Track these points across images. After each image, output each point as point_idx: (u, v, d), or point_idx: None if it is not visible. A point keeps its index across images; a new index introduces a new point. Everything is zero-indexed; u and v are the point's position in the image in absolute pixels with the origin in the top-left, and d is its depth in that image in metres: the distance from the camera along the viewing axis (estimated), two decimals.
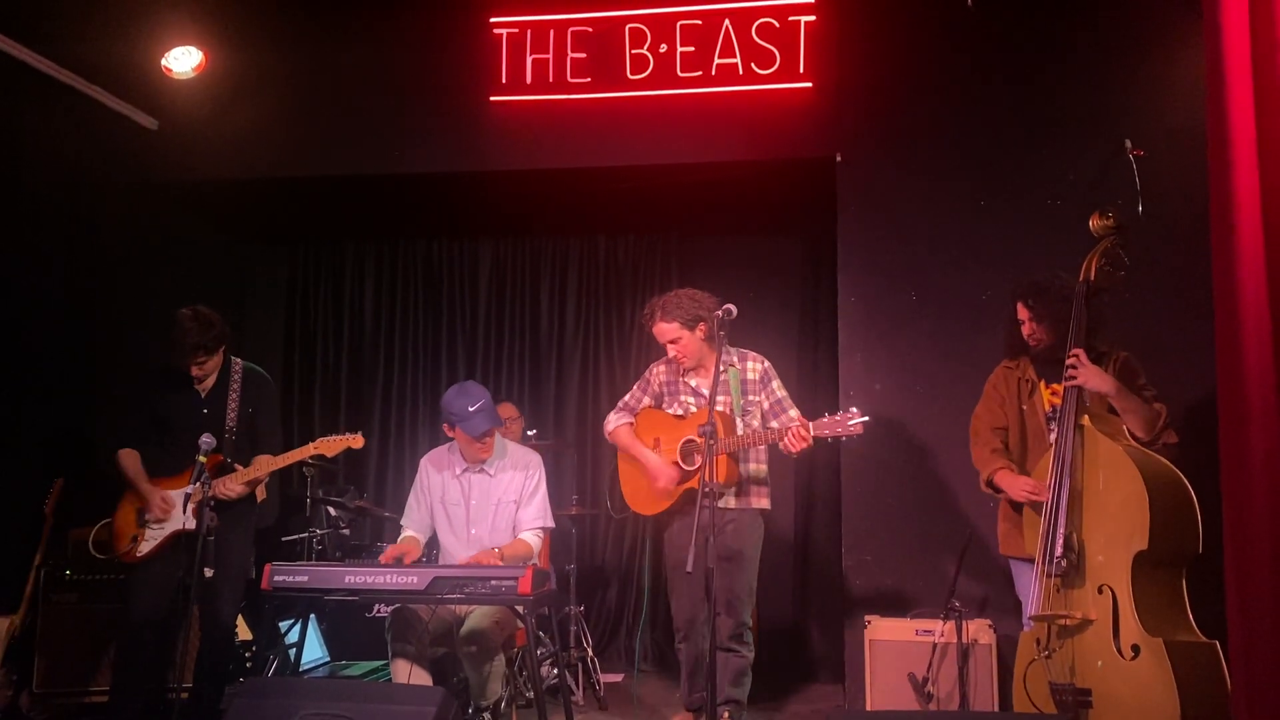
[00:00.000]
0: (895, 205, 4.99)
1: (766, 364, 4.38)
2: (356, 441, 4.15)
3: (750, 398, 4.29)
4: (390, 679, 3.90)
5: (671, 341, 4.28)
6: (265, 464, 4.13)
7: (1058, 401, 3.64)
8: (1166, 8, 4.68)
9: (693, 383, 4.38)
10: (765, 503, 4.32)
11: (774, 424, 4.23)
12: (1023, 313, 3.80)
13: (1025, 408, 3.81)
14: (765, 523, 4.38)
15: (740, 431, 4.17)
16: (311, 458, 5.55)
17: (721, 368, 4.18)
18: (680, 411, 4.36)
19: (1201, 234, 3.03)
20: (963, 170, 4.93)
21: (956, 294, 4.84)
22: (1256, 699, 2.27)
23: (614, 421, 4.51)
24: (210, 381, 4.28)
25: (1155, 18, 4.74)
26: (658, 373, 4.50)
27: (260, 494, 4.38)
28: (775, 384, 4.34)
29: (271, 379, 4.53)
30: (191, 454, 3.80)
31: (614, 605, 6.44)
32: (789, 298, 6.44)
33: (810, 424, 3.91)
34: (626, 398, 4.57)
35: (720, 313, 3.75)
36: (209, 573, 3.65)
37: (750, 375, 4.34)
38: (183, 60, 5.36)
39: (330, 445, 4.13)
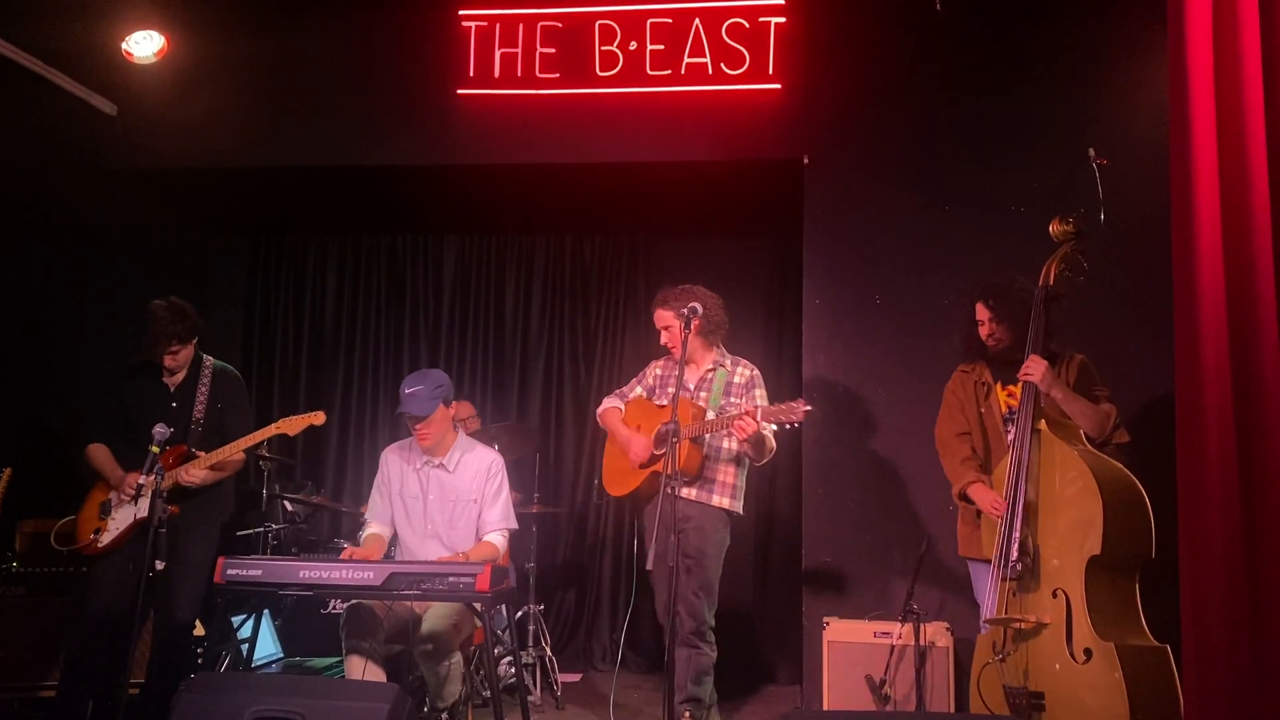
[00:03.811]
0: (861, 208, 5.01)
1: (755, 372, 4.44)
2: (318, 418, 4.11)
3: (732, 399, 4.33)
4: (344, 676, 3.85)
5: (665, 328, 4.40)
6: (227, 448, 4.08)
7: (1014, 403, 3.67)
8: (1133, 19, 4.74)
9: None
10: (729, 503, 4.32)
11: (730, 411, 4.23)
12: (982, 313, 3.83)
13: (983, 410, 3.84)
14: (731, 524, 4.39)
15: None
16: (270, 451, 5.53)
17: (711, 365, 4.43)
18: (665, 402, 4.38)
19: (1163, 242, 3.06)
20: (928, 175, 4.96)
21: (920, 298, 4.87)
22: (1208, 704, 2.30)
23: (605, 405, 4.64)
24: (180, 377, 4.25)
25: (1122, 28, 4.80)
26: (654, 367, 4.61)
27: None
28: (759, 392, 4.37)
29: (241, 377, 4.48)
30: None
31: (573, 605, 6.42)
32: (754, 299, 6.44)
33: (759, 409, 3.96)
34: (623, 387, 4.70)
35: (686, 310, 3.84)
36: (160, 565, 3.59)
37: (737, 379, 4.40)
38: (144, 45, 5.27)
39: (292, 424, 4.09)
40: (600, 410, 4.68)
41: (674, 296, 4.36)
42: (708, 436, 4.25)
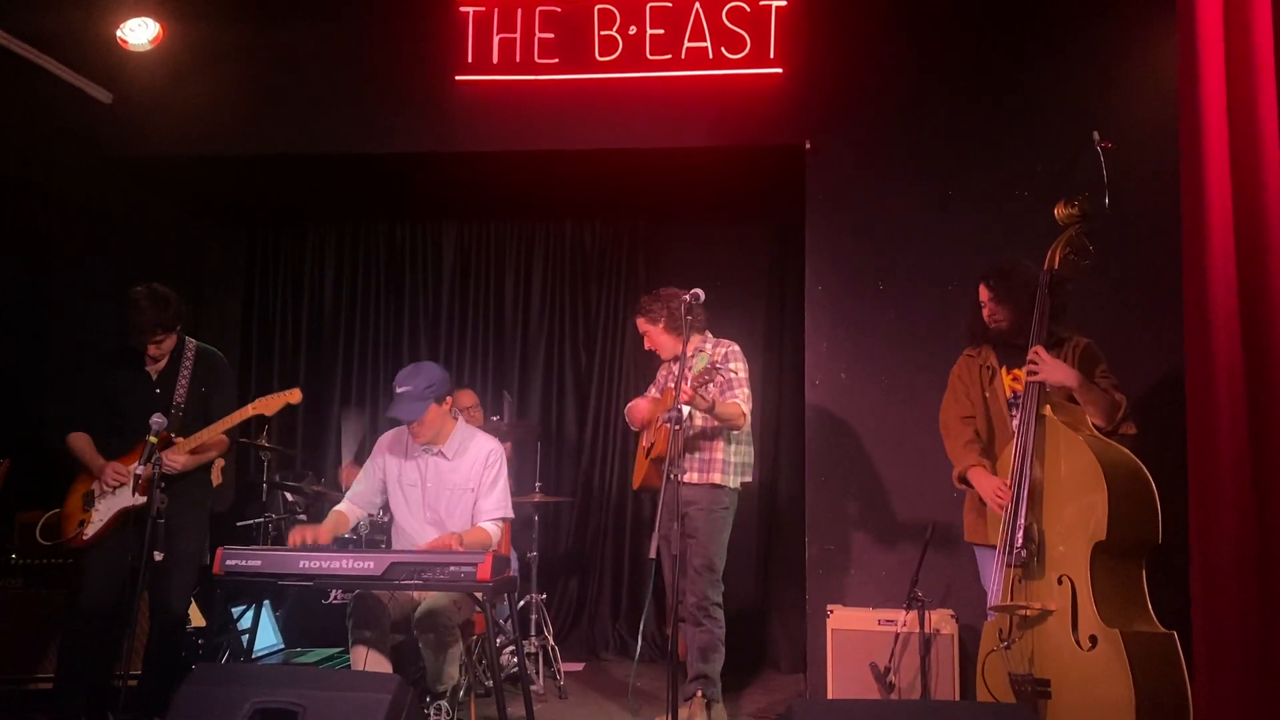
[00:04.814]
0: (863, 194, 4.97)
1: (733, 348, 4.55)
2: (294, 396, 4.08)
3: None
4: (349, 666, 3.83)
5: (644, 334, 4.69)
6: (205, 431, 4.03)
7: (1018, 387, 3.63)
8: (1139, 2, 4.68)
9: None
10: (719, 478, 4.43)
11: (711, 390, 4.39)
12: (984, 294, 3.80)
13: (987, 394, 3.81)
14: (730, 501, 4.47)
15: None
16: (270, 441, 5.51)
17: (691, 353, 4.50)
18: None
19: (1168, 226, 3.02)
20: (931, 160, 4.92)
21: (923, 284, 4.83)
22: (1219, 689, 2.27)
23: (631, 403, 4.87)
24: (162, 363, 4.19)
25: (1127, 11, 4.75)
26: (664, 367, 4.82)
27: (216, 477, 4.29)
28: (734, 364, 4.48)
29: (226, 359, 4.43)
30: (141, 435, 3.71)
31: (576, 594, 6.41)
32: (756, 286, 6.42)
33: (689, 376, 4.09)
34: (647, 390, 4.94)
35: (688, 297, 3.84)
36: (159, 556, 3.56)
37: (717, 358, 4.48)
38: (139, 32, 5.21)
39: (269, 404, 4.04)
40: (626, 409, 4.88)
41: (643, 306, 4.67)
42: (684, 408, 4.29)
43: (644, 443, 4.66)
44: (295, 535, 3.92)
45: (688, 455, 4.43)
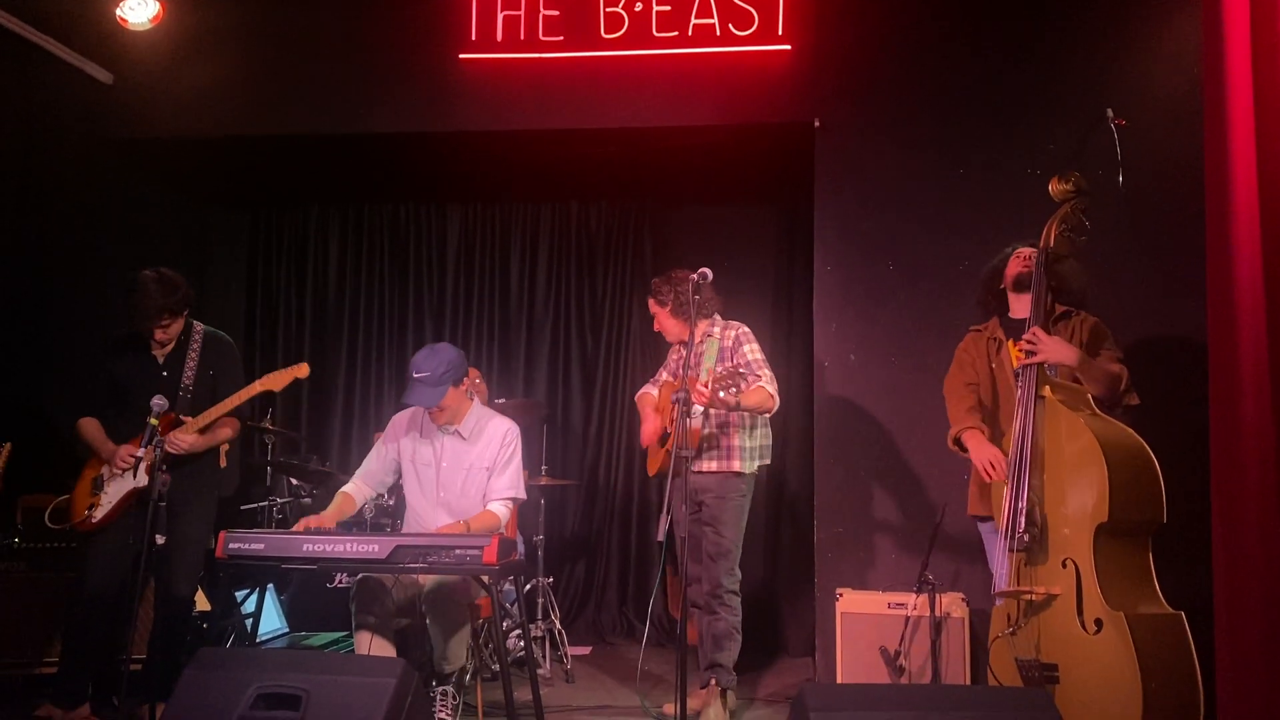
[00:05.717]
0: (873, 173, 4.91)
1: (743, 330, 4.47)
2: (301, 371, 4.06)
3: (726, 363, 4.32)
4: (354, 650, 3.80)
5: (653, 315, 4.63)
6: (213, 410, 4.01)
7: (1024, 358, 3.56)
8: None
9: None
10: (737, 464, 4.36)
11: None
12: (1029, 250, 3.70)
13: (994, 365, 3.76)
14: (748, 488, 4.42)
15: None
16: (275, 424, 5.48)
17: (699, 337, 4.46)
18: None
19: (1182, 203, 2.96)
20: (942, 138, 4.85)
21: (933, 264, 4.77)
22: (1241, 670, 2.23)
23: (640, 392, 4.83)
24: (170, 347, 4.16)
25: None
26: (673, 352, 4.75)
27: (221, 460, 4.26)
28: (748, 347, 4.40)
29: (233, 343, 4.40)
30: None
31: (582, 578, 6.38)
32: (764, 266, 6.36)
33: (709, 378, 3.99)
34: (655, 375, 4.87)
35: (695, 276, 3.78)
36: (160, 540, 3.53)
37: (727, 342, 4.44)
38: (139, 11, 5.17)
39: (276, 379, 4.03)
40: (636, 396, 4.82)
41: (653, 287, 4.61)
42: (698, 407, 4.25)
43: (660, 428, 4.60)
44: (301, 525, 3.86)
45: (707, 445, 4.37)
